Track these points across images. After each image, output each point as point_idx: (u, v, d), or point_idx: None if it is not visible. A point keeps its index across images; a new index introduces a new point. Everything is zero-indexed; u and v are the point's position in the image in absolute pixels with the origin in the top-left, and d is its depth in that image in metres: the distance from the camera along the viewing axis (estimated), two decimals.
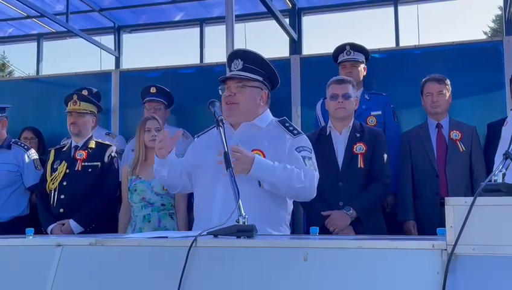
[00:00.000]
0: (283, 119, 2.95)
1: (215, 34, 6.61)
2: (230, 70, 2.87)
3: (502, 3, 5.55)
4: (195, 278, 1.80)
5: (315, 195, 2.82)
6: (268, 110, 2.96)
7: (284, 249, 1.81)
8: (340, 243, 1.74)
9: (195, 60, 6.32)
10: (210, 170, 2.72)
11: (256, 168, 2.60)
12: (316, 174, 2.80)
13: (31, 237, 2.42)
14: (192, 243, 1.83)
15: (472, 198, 1.60)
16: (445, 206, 1.64)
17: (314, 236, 2.15)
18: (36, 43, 6.81)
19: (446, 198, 1.65)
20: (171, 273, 1.81)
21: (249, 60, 2.85)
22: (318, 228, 2.26)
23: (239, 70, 2.83)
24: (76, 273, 1.91)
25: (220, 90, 2.87)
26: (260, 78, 2.87)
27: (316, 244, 1.78)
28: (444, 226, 1.82)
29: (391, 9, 5.80)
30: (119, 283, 1.87)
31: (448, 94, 4.01)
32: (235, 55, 2.90)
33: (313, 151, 2.87)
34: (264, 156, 2.72)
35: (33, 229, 2.56)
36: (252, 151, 2.71)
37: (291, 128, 2.88)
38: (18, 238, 2.28)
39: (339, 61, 4.44)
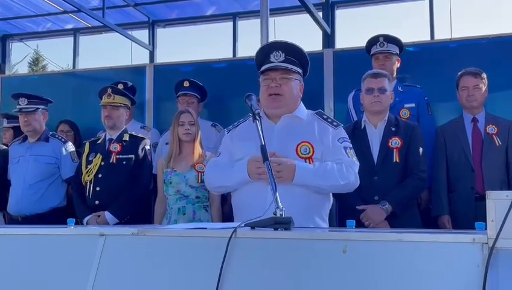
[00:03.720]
0: (319, 112, 3.00)
1: (248, 28, 6.64)
2: (270, 62, 2.85)
3: None
4: (234, 268, 1.83)
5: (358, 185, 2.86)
6: (301, 102, 2.99)
7: (323, 241, 1.82)
8: (380, 236, 1.74)
9: (228, 54, 6.34)
10: None
11: (298, 176, 2.67)
12: (357, 164, 2.86)
13: (72, 227, 2.47)
14: (232, 234, 1.85)
15: None
16: (487, 200, 1.64)
17: (353, 229, 2.16)
18: (73, 38, 6.93)
19: (487, 192, 1.65)
20: (211, 263, 1.84)
21: (291, 52, 2.86)
22: (354, 221, 2.26)
23: (282, 61, 2.83)
24: (118, 262, 1.95)
25: (260, 80, 2.89)
26: (300, 71, 2.90)
27: (355, 236, 1.78)
28: (479, 221, 1.82)
29: (425, 1, 5.74)
30: (161, 272, 1.90)
31: (484, 88, 3.96)
32: (275, 46, 2.88)
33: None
34: (313, 148, 2.77)
35: (74, 219, 2.62)
36: (302, 143, 2.77)
37: (329, 120, 2.93)
38: (62, 228, 2.33)
39: (371, 53, 4.41)
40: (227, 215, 4.08)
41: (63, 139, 4.65)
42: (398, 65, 4.42)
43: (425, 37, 5.67)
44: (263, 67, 2.88)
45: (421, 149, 3.62)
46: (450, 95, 4.26)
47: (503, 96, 4.48)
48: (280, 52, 2.83)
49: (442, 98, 4.58)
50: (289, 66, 2.84)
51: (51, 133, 4.67)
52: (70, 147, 4.62)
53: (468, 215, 3.71)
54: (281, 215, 2.12)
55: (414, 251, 1.68)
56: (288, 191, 2.51)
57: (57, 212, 4.40)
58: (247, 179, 2.75)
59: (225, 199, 4.15)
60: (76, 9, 5.79)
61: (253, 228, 2.04)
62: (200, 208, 3.90)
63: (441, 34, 5.70)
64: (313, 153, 2.77)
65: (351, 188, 2.88)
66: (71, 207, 4.31)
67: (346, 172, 2.76)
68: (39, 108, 4.52)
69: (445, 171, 3.92)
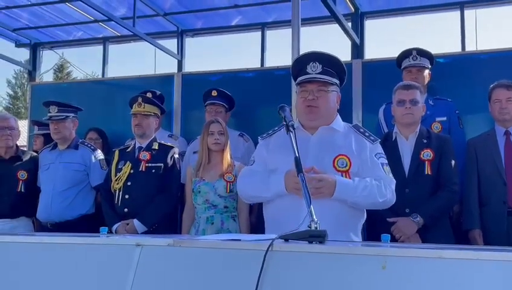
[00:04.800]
0: (356, 125, 2.99)
1: (276, 37, 6.65)
2: (306, 73, 2.82)
3: None
4: (270, 281, 1.81)
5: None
6: (338, 114, 2.97)
7: (361, 256, 1.79)
8: (420, 252, 1.71)
9: (256, 64, 6.35)
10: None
11: (339, 192, 2.65)
12: (394, 181, 2.84)
13: (106, 235, 2.48)
14: (269, 246, 1.84)
15: None
16: None
17: (388, 244, 2.13)
18: (102, 46, 7.01)
19: None
20: (247, 275, 1.83)
21: (328, 63, 2.83)
22: (389, 235, 2.24)
23: (319, 73, 2.80)
24: (154, 273, 1.95)
25: (296, 91, 2.87)
26: (337, 82, 2.87)
27: (394, 252, 1.75)
28: None
29: (456, 13, 5.69)
30: (197, 284, 1.89)
31: None
32: (312, 57, 2.84)
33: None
34: (350, 162, 2.75)
35: (107, 228, 2.64)
36: (339, 156, 2.75)
37: (367, 134, 2.90)
38: (97, 237, 2.34)
39: (404, 66, 4.39)
40: (254, 225, 4.08)
41: (92, 147, 4.70)
42: (429, 78, 4.39)
43: (455, 48, 5.63)
44: (300, 79, 2.85)
45: (453, 162, 3.59)
46: (481, 107, 4.22)
47: None
48: (317, 63, 2.80)
49: (473, 110, 4.54)
50: (326, 78, 2.81)
51: (80, 140, 4.72)
52: (100, 154, 4.67)
53: (500, 230, 3.67)
54: (316, 228, 2.10)
55: (455, 269, 1.64)
56: (324, 206, 2.48)
57: (85, 219, 4.43)
58: (284, 192, 2.71)
59: (252, 209, 4.15)
60: (106, 18, 5.86)
61: (286, 240, 2.02)
62: (228, 218, 3.91)
63: (468, 45, 5.66)
64: (349, 167, 2.75)
65: (388, 205, 2.85)
66: (100, 214, 4.34)
67: (385, 190, 2.75)
68: (69, 116, 4.57)
69: (477, 185, 3.85)
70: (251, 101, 5.30)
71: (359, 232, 2.85)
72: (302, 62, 2.88)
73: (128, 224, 4.02)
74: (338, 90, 2.91)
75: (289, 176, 2.66)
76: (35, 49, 7.16)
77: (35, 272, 2.18)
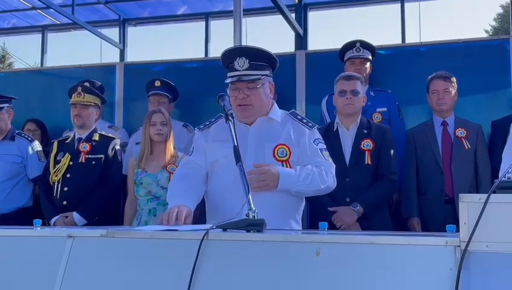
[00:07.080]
0: (293, 112, 2.95)
1: (220, 28, 6.62)
2: (235, 69, 2.73)
3: (503, 2, 5.54)
4: (206, 271, 1.80)
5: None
6: (275, 102, 2.93)
7: (296, 243, 1.80)
8: (353, 239, 1.74)
9: (200, 54, 6.30)
10: (228, 164, 2.61)
11: (282, 183, 2.65)
12: (334, 165, 2.86)
13: (39, 228, 2.41)
14: (204, 236, 1.83)
15: (486, 195, 1.60)
16: (459, 203, 1.65)
17: (325, 231, 2.15)
18: (41, 35, 6.79)
19: (460, 195, 1.65)
20: (182, 266, 1.81)
21: (255, 56, 2.73)
22: (327, 223, 2.26)
23: (246, 69, 2.71)
24: (87, 264, 1.90)
25: (227, 91, 2.81)
26: (268, 71, 2.80)
27: (328, 239, 1.77)
28: (448, 223, 1.83)
29: (397, 5, 5.80)
30: (130, 275, 1.86)
31: (454, 92, 4.01)
32: (238, 53, 2.75)
33: None
34: (290, 151, 2.74)
35: (40, 220, 2.55)
36: (278, 146, 2.74)
37: (304, 120, 2.89)
38: (28, 229, 2.26)
39: (347, 57, 4.44)
40: (197, 217, 4.03)
41: (29, 138, 4.54)
42: (370, 71, 4.46)
43: (396, 40, 5.74)
44: (228, 78, 2.77)
45: (392, 151, 3.66)
46: (421, 98, 4.31)
47: (473, 100, 4.54)
48: (244, 58, 2.70)
49: (413, 101, 4.62)
50: (254, 73, 2.72)
51: (17, 131, 4.55)
52: (37, 146, 4.52)
53: (437, 218, 3.77)
54: (254, 217, 2.09)
55: (387, 254, 1.68)
56: (264, 195, 2.50)
57: (22, 212, 4.28)
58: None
59: None
60: (45, 5, 5.68)
61: (225, 229, 2.01)
62: None
63: (411, 38, 5.78)
64: (289, 156, 2.74)
65: (330, 190, 2.88)
66: (37, 208, 4.22)
67: (326, 175, 2.76)
68: (3, 107, 4.40)
69: (415, 174, 3.94)
70: (195, 92, 5.24)
71: (300, 219, 2.85)
72: (230, 56, 2.78)
73: (67, 217, 3.92)
74: (270, 79, 2.84)
75: (169, 212, 2.51)
76: None
77: None
